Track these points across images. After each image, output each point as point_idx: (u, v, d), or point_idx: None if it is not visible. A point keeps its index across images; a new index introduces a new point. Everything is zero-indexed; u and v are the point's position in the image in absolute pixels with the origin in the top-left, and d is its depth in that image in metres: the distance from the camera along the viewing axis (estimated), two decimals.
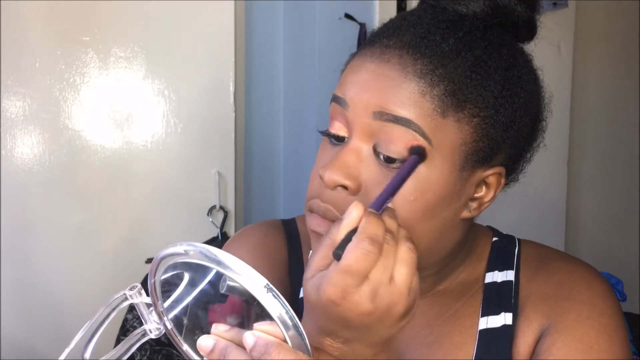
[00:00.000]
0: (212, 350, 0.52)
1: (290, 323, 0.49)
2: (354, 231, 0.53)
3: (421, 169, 0.62)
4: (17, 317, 1.55)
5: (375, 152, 0.63)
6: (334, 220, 0.63)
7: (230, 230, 1.70)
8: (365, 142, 0.63)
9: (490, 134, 0.64)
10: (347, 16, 1.68)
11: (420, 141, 0.61)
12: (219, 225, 1.66)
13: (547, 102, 0.71)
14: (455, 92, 0.62)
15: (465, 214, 0.67)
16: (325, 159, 0.66)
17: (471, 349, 0.71)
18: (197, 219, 1.67)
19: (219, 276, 0.51)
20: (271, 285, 0.48)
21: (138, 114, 1.62)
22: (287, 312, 0.49)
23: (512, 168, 0.69)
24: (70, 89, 1.56)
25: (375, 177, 0.63)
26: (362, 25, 1.67)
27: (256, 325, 0.51)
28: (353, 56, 0.68)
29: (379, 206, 0.56)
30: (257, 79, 1.97)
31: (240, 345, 0.51)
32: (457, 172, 0.63)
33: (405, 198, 0.62)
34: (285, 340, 0.50)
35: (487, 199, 0.67)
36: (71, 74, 1.56)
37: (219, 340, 0.52)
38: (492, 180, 0.67)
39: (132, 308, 1.58)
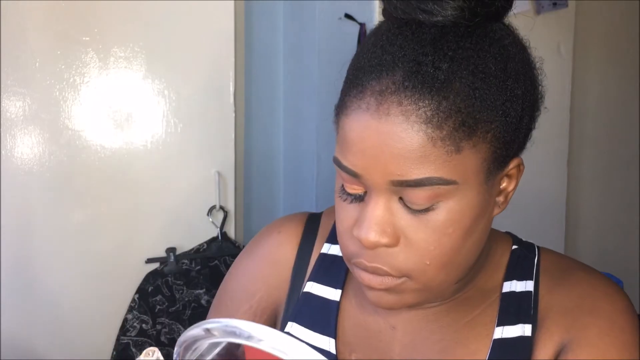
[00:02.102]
0: None
1: None
2: None
3: (452, 204, 0.62)
4: (17, 317, 1.55)
5: (403, 202, 0.62)
6: (385, 275, 0.65)
7: (230, 230, 1.70)
8: (390, 198, 0.63)
9: (505, 138, 0.63)
10: (347, 16, 1.68)
11: (444, 188, 0.60)
12: (219, 225, 1.66)
13: (539, 65, 0.68)
14: (465, 121, 0.59)
15: (496, 211, 0.68)
16: (352, 214, 0.65)
17: (484, 358, 0.70)
18: (197, 219, 1.67)
19: None
20: None
21: (138, 114, 1.62)
22: None
23: (523, 147, 0.69)
24: (70, 89, 1.56)
25: (410, 224, 0.63)
26: (362, 25, 1.67)
27: None
28: (342, 106, 0.64)
29: None
30: (257, 79, 1.97)
31: None
32: (484, 186, 0.63)
33: (445, 233, 0.62)
34: None
35: (510, 188, 0.68)
36: (71, 74, 1.56)
37: None
38: (512, 172, 0.67)
39: (131, 308, 1.58)
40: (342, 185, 0.66)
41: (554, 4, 1.95)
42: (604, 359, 0.66)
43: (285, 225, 0.83)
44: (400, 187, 0.61)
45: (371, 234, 0.62)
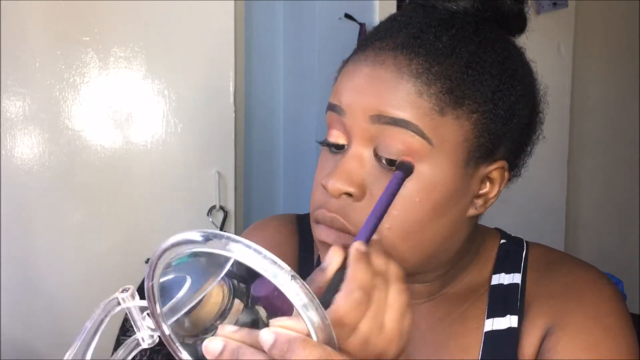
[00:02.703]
0: (221, 353, 0.45)
1: (316, 315, 0.43)
2: (339, 274, 0.50)
3: (424, 169, 0.61)
4: (17, 317, 1.55)
5: (377, 156, 0.62)
6: (341, 229, 0.63)
7: (230, 230, 1.70)
8: (365, 147, 0.63)
9: (491, 129, 0.64)
10: (347, 16, 1.68)
11: (419, 141, 0.61)
12: (219, 225, 1.66)
13: (542, 94, 0.71)
14: (453, 89, 0.62)
15: (472, 211, 0.67)
16: (326, 169, 0.65)
17: (477, 351, 0.71)
18: (197, 219, 1.67)
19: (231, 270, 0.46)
20: (295, 274, 0.43)
21: (138, 114, 1.62)
22: (312, 301, 0.43)
23: (514, 162, 0.69)
24: (70, 89, 1.56)
25: (378, 181, 0.62)
26: (362, 25, 1.67)
27: (272, 321, 0.45)
28: (346, 63, 0.68)
29: (368, 235, 0.54)
30: (257, 79, 1.97)
31: (253, 346, 0.46)
32: (461, 169, 0.63)
33: (410, 199, 0.62)
34: (309, 336, 0.44)
35: (492, 194, 0.67)
36: (71, 74, 1.56)
37: (229, 341, 0.46)
38: (495, 175, 0.66)
39: None
40: (327, 138, 0.67)
41: (554, 4, 1.95)
42: (588, 341, 0.66)
43: (281, 226, 0.83)
44: (379, 124, 0.61)
45: (338, 180, 0.62)
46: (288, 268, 0.43)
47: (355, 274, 0.50)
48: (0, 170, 1.51)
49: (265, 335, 0.44)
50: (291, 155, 1.98)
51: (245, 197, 1.93)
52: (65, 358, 0.46)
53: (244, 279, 0.49)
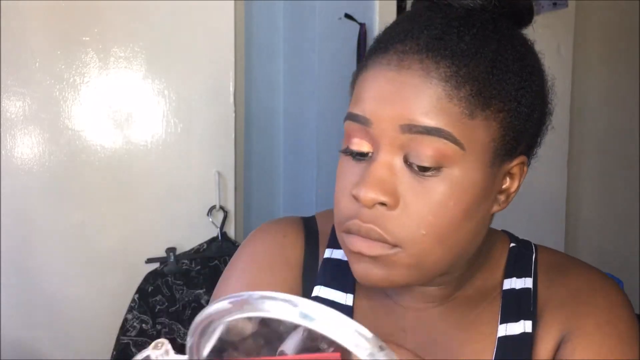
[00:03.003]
0: None
1: None
2: None
3: (456, 173, 0.61)
4: (17, 317, 1.55)
5: (407, 162, 0.61)
6: (378, 240, 0.62)
7: (230, 230, 1.70)
8: (395, 155, 0.61)
9: (515, 126, 0.64)
10: (347, 16, 1.68)
11: (452, 147, 0.60)
12: (219, 225, 1.66)
13: (550, 84, 0.72)
14: (481, 90, 0.61)
15: (496, 207, 0.67)
16: (351, 177, 0.63)
17: (490, 356, 0.70)
18: (197, 219, 1.66)
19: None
20: (384, 344, 0.38)
21: (138, 114, 1.62)
22: None
23: (528, 154, 0.69)
24: (70, 89, 1.56)
25: (411, 188, 0.61)
26: (362, 25, 1.67)
27: None
28: (364, 67, 0.65)
29: None
30: (257, 79, 1.97)
31: None
32: (488, 169, 0.63)
33: (445, 204, 0.61)
34: None
35: (513, 189, 0.67)
36: (71, 74, 1.56)
37: None
38: (516, 170, 0.67)
39: (131, 308, 1.58)
40: (348, 146, 0.64)
41: (554, 4, 1.95)
42: (603, 347, 0.66)
43: (288, 229, 0.81)
44: (410, 134, 0.60)
45: (371, 190, 0.60)
46: (374, 337, 0.38)
47: None
48: (0, 170, 1.51)
49: None
50: (291, 155, 1.98)
51: (245, 197, 1.93)
52: None
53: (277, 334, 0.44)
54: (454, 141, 0.60)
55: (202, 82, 1.66)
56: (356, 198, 0.62)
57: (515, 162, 0.66)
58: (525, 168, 0.68)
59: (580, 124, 2.18)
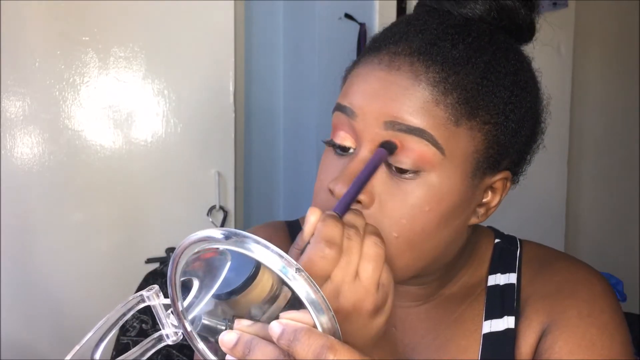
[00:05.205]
0: (235, 344, 0.48)
1: (321, 307, 0.46)
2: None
3: (434, 179, 0.61)
4: (17, 317, 1.55)
5: (386, 162, 0.61)
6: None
7: None
8: None
9: (500, 140, 0.63)
10: (347, 16, 1.68)
11: (432, 151, 0.60)
12: (218, 225, 1.66)
13: (545, 103, 0.71)
14: (468, 100, 0.61)
15: (474, 220, 0.67)
16: (331, 171, 0.63)
17: (476, 352, 0.71)
18: (197, 219, 1.67)
19: (238, 266, 0.48)
20: (300, 267, 0.45)
21: (138, 114, 1.62)
22: (316, 293, 0.45)
23: (515, 171, 0.69)
24: (70, 89, 1.56)
25: (388, 189, 0.61)
26: (362, 25, 1.67)
27: (282, 314, 0.48)
28: (356, 63, 0.66)
29: (344, 208, 0.54)
30: (257, 79, 1.97)
31: (266, 339, 0.48)
32: (468, 180, 0.63)
33: (420, 209, 0.61)
34: (314, 326, 0.47)
35: (493, 203, 0.67)
36: (71, 74, 1.56)
37: (243, 334, 0.49)
38: (498, 185, 0.66)
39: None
40: (332, 138, 0.65)
41: (554, 4, 1.95)
42: (584, 339, 0.66)
43: (273, 234, 0.80)
44: (392, 131, 0.60)
45: (346, 186, 0.59)
46: (294, 262, 0.46)
47: (322, 229, 0.52)
48: (0, 170, 1.51)
49: (274, 327, 0.47)
50: (291, 155, 1.98)
51: (245, 197, 1.93)
52: (80, 344, 0.48)
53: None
54: (435, 144, 0.60)
55: (202, 82, 1.66)
56: (332, 192, 0.61)
57: (499, 176, 0.66)
58: (508, 184, 0.67)
59: (580, 124, 2.18)
